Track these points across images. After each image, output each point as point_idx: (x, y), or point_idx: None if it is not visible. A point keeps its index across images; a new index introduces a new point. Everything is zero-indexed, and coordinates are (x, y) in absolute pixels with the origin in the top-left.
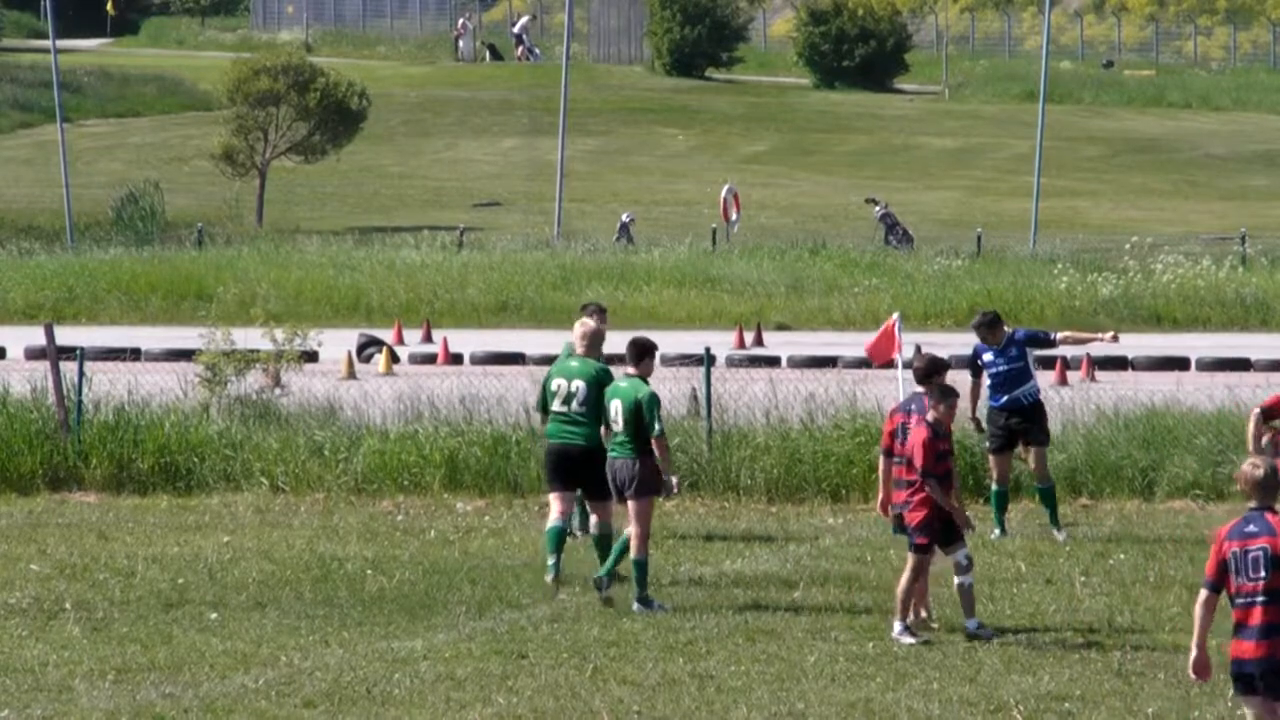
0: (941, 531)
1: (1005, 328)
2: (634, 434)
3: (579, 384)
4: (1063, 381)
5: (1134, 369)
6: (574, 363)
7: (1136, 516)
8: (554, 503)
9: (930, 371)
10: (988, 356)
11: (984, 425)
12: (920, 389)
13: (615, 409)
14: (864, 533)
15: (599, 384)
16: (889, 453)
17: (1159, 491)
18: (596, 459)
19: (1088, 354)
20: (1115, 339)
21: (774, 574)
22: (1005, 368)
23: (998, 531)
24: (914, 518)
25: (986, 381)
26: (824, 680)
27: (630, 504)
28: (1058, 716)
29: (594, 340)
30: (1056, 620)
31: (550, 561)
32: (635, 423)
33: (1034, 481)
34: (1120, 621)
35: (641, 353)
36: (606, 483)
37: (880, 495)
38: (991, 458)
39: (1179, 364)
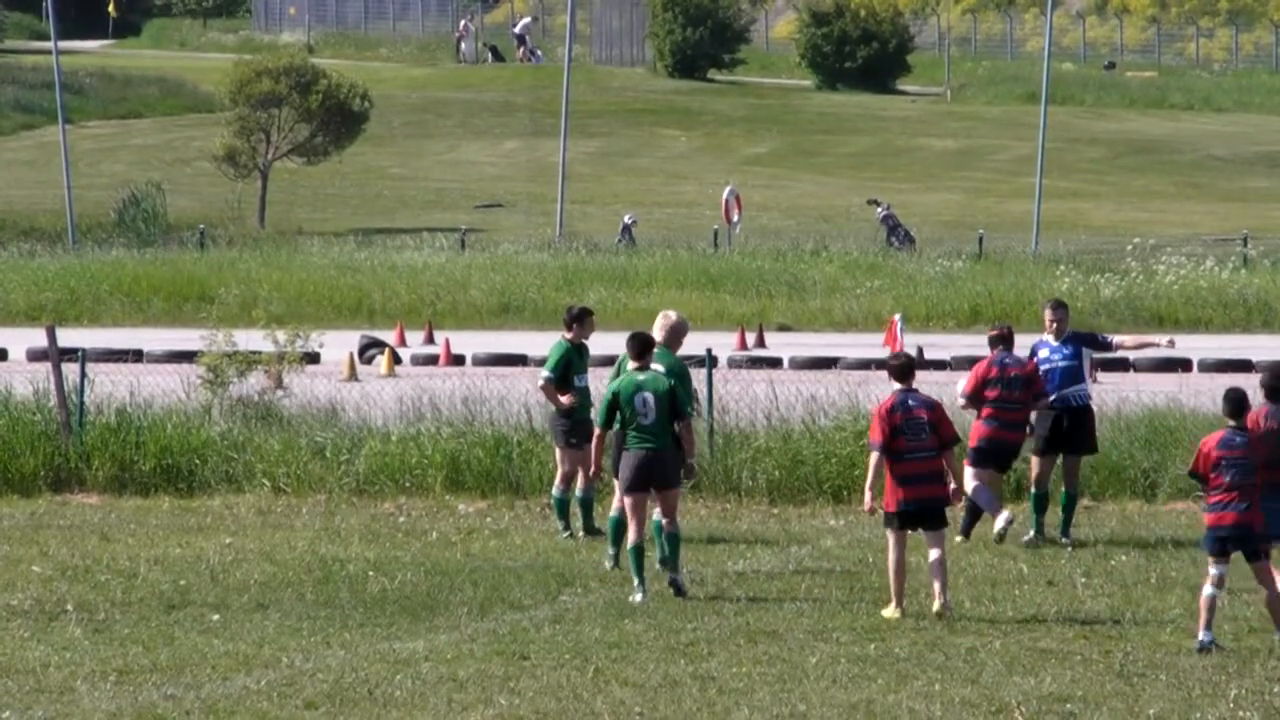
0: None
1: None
2: (669, 423)
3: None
4: None
5: (1136, 370)
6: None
7: (1138, 518)
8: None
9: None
10: (1043, 353)
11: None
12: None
13: (646, 402)
14: (866, 534)
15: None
16: (885, 448)
17: (1161, 493)
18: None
19: (1090, 355)
20: (1171, 344)
21: (776, 575)
22: (1061, 364)
23: (1032, 534)
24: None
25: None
26: (825, 681)
27: (664, 493)
28: (1059, 718)
29: (675, 332)
30: (1058, 621)
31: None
32: (670, 411)
33: (1061, 485)
34: (1122, 622)
35: (645, 347)
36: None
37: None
38: (1033, 459)
39: (1181, 365)
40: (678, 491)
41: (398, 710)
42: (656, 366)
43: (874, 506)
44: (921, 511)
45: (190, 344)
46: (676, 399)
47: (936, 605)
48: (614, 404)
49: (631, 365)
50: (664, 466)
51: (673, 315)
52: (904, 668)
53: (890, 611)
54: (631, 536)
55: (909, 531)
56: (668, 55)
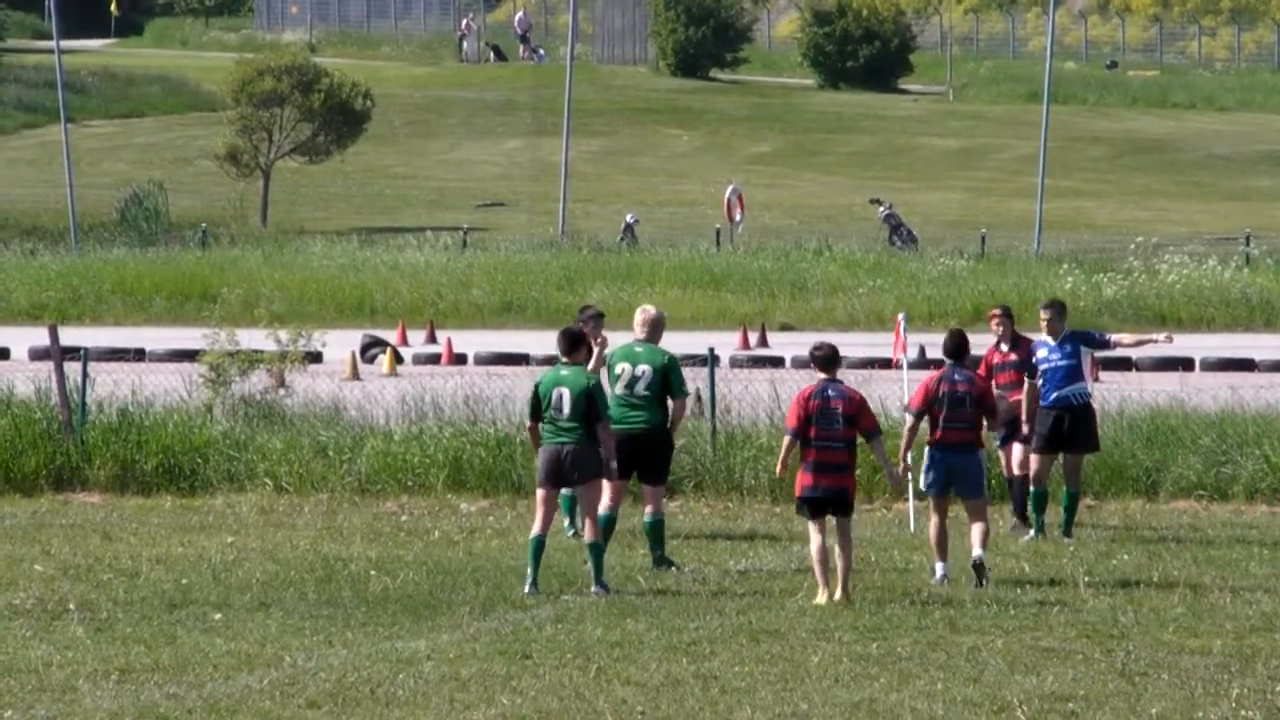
0: None
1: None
2: (583, 420)
3: (644, 368)
4: None
5: (1138, 369)
6: (639, 348)
7: (1140, 516)
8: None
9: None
10: (1042, 352)
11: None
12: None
13: (561, 397)
14: (868, 533)
15: (664, 371)
16: (797, 434)
17: (1163, 492)
18: (658, 441)
19: (1092, 354)
20: (1170, 340)
21: (778, 574)
22: (1060, 363)
23: (1033, 533)
24: None
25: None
26: (828, 681)
27: (582, 488)
28: (1061, 717)
29: (655, 326)
30: (1060, 620)
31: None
32: (586, 410)
33: (1062, 483)
34: (1124, 621)
35: (575, 343)
36: (665, 466)
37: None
38: (1033, 456)
39: (1183, 364)
40: (597, 485)
41: (400, 709)
42: (635, 365)
43: (783, 475)
44: (827, 500)
45: (192, 343)
46: (595, 400)
47: (837, 594)
48: (536, 397)
49: (562, 360)
50: (573, 461)
51: (651, 310)
52: (906, 667)
53: (820, 599)
54: (535, 528)
55: (823, 518)
56: (670, 54)
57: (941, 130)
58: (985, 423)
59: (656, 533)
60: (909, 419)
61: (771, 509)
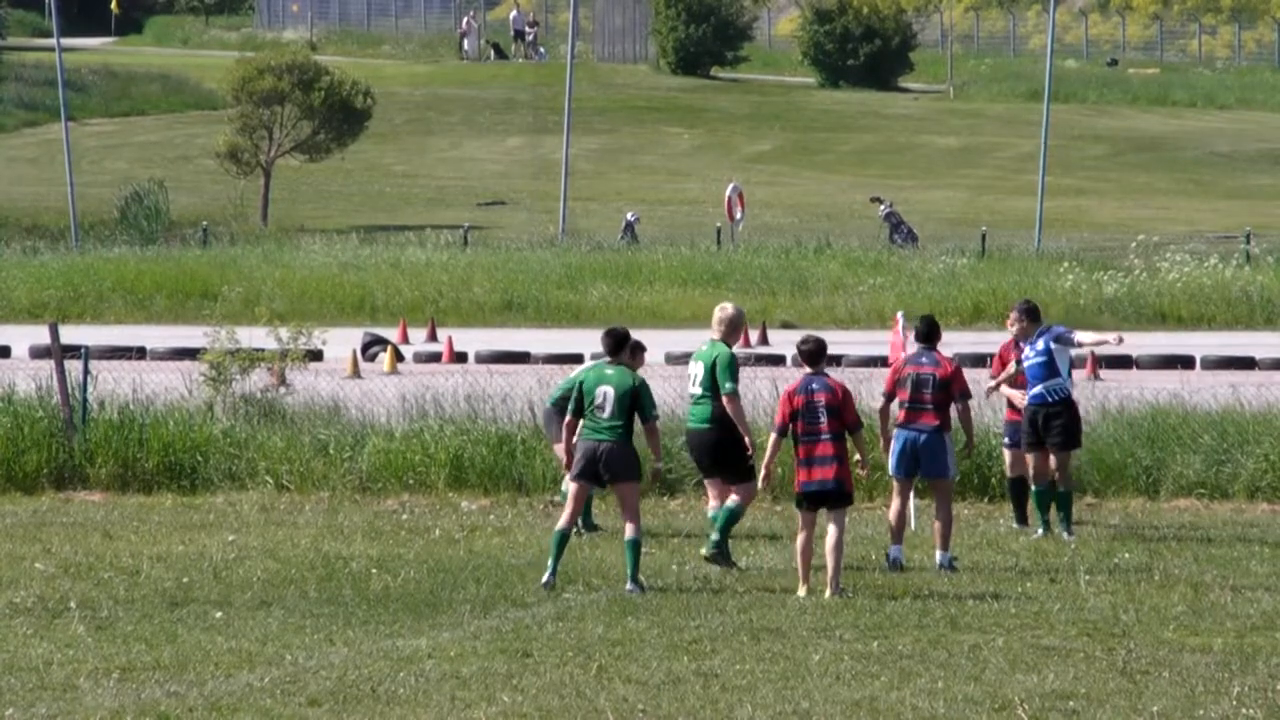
0: None
1: (1038, 323)
2: (625, 420)
3: (698, 365)
4: None
5: (1138, 367)
6: (704, 346)
7: (1141, 515)
8: (709, 490)
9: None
10: (1025, 350)
11: (993, 392)
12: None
13: (605, 395)
14: (868, 531)
15: (711, 367)
16: (783, 431)
17: (1163, 490)
18: (725, 438)
19: (1092, 352)
20: (1120, 341)
21: (779, 572)
22: (1032, 361)
23: (1040, 530)
24: None
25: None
26: (829, 679)
27: (617, 487)
28: (1062, 715)
29: (732, 325)
30: (1061, 618)
31: (713, 539)
32: (630, 410)
33: (1056, 483)
34: (1125, 619)
35: (619, 343)
36: (739, 463)
37: (765, 467)
38: (1027, 456)
39: (1184, 362)
40: (632, 488)
41: (401, 708)
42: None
43: (767, 481)
44: (823, 493)
45: (193, 341)
46: (640, 401)
47: (828, 592)
48: (579, 393)
49: (605, 360)
50: (610, 458)
51: (729, 308)
52: (907, 665)
53: (800, 592)
54: (561, 521)
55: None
56: (671, 52)
57: (942, 128)
58: (955, 406)
59: (723, 524)
60: (881, 401)
61: (772, 507)
